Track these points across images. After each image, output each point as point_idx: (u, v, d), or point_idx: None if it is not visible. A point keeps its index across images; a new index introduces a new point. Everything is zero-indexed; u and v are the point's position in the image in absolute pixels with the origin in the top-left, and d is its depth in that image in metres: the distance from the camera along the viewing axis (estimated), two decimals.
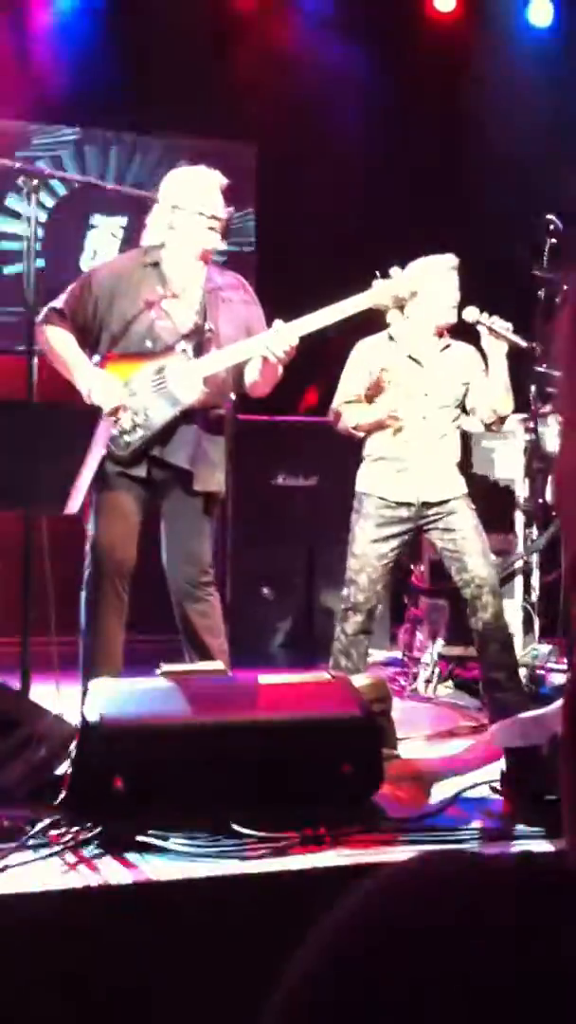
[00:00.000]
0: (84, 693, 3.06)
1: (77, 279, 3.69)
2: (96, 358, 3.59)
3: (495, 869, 0.48)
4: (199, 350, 3.54)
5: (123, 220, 6.41)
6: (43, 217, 3.11)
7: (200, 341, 3.54)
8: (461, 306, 3.88)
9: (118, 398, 3.45)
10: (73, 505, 2.74)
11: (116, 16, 6.39)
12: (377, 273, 3.58)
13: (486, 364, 3.88)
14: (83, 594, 3.57)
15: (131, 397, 3.48)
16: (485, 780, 2.91)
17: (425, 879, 0.48)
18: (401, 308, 3.70)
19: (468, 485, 4.01)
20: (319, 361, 4.08)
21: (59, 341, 3.55)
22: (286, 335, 3.44)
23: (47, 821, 2.51)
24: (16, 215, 5.28)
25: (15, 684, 3.13)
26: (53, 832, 2.49)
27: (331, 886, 2.30)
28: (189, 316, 3.58)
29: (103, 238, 6.52)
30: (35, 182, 3.21)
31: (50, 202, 6.12)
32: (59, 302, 3.61)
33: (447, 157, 6.38)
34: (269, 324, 3.59)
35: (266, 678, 3.03)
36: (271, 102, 6.40)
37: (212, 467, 3.61)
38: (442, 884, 0.47)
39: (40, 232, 3.22)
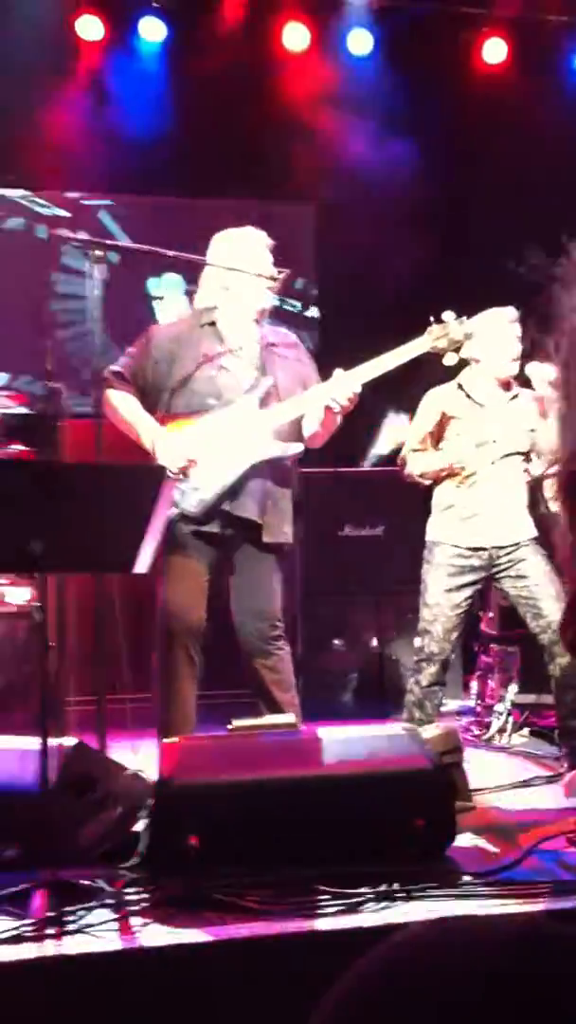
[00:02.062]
0: (159, 751, 3.10)
1: (135, 341, 3.78)
2: (158, 417, 3.66)
3: (513, 931, 0.50)
4: (262, 403, 3.60)
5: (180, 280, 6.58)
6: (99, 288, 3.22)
7: (263, 395, 3.60)
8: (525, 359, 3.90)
9: (184, 455, 3.52)
10: (142, 564, 2.79)
11: (169, 83, 6.59)
12: (431, 318, 3.63)
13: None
14: (156, 655, 3.62)
15: (198, 454, 3.55)
16: (562, 832, 2.87)
17: (436, 943, 0.50)
18: (457, 350, 3.73)
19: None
20: None
21: (121, 403, 3.63)
22: (348, 383, 3.50)
23: (123, 880, 2.55)
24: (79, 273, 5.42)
25: (92, 742, 3.18)
26: (129, 891, 2.52)
27: None
28: (249, 371, 3.64)
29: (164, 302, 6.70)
30: (98, 252, 3.31)
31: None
32: (119, 365, 3.69)
33: (500, 208, 6.42)
34: (325, 377, 3.64)
35: (337, 732, 3.04)
36: (325, 162, 6.52)
37: (281, 519, 3.64)
38: (454, 947, 0.49)
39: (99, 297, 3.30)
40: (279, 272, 3.66)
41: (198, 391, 3.60)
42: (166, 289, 6.78)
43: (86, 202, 6.64)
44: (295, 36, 6.67)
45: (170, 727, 3.53)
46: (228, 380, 3.61)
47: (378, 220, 6.41)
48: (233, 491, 3.56)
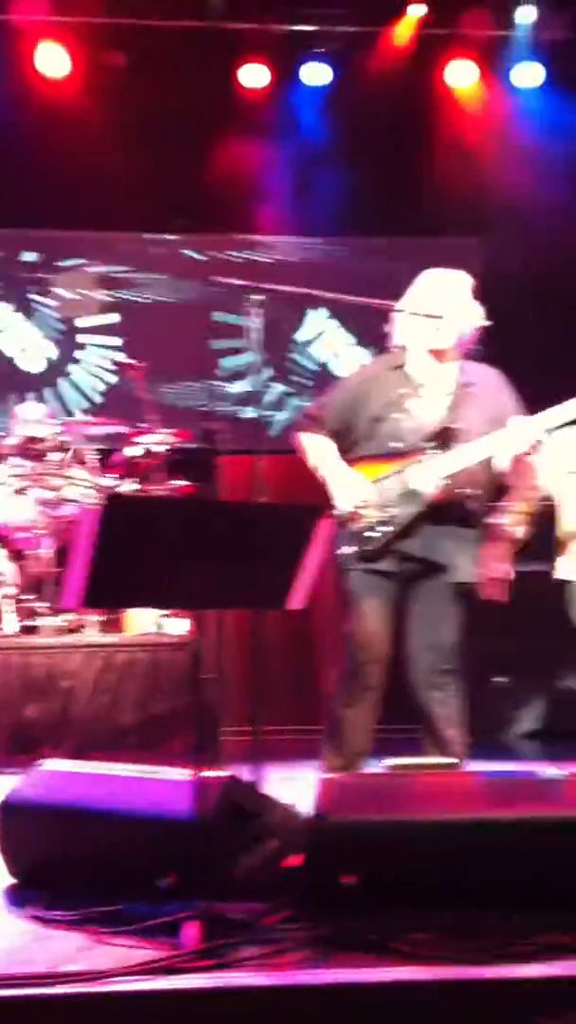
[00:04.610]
0: (316, 786, 3.08)
1: (332, 386, 3.91)
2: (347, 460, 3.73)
3: None
4: (445, 447, 3.59)
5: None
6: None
7: (446, 438, 3.60)
8: None
9: (361, 497, 3.58)
10: (296, 602, 2.81)
11: (335, 125, 6.69)
12: None
13: None
14: (337, 683, 3.68)
15: (377, 495, 3.61)
16: None
17: None
18: None
19: None
20: None
21: (312, 446, 3.77)
22: (525, 431, 3.46)
23: (277, 916, 2.53)
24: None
25: (248, 775, 3.19)
26: (283, 927, 2.50)
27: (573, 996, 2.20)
28: (435, 414, 3.67)
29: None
30: (255, 296, 3.36)
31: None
32: (315, 408, 3.85)
33: None
34: None
35: (502, 774, 2.96)
36: (492, 192, 6.47)
37: (462, 559, 3.65)
38: None
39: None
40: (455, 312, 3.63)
41: (383, 435, 3.68)
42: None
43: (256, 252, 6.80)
44: (462, 72, 6.67)
45: (341, 758, 3.60)
46: (412, 424, 3.66)
47: (547, 254, 6.30)
48: (409, 531, 3.60)
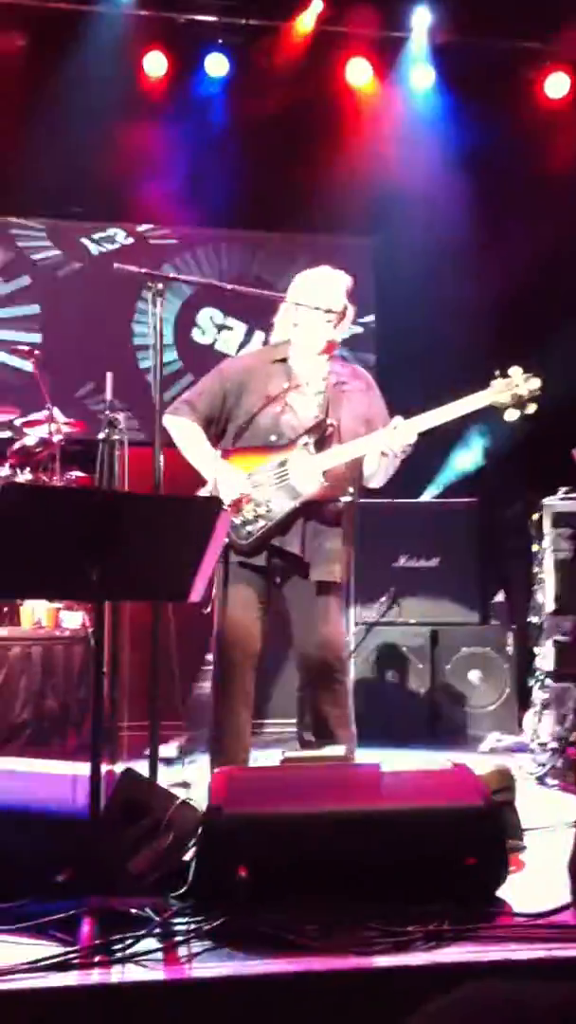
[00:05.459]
0: (210, 780, 3.11)
1: (208, 373, 3.85)
2: (221, 450, 3.71)
3: (536, 1006, 0.50)
4: (321, 444, 3.63)
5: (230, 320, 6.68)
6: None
7: (322, 435, 3.64)
8: None
9: (240, 489, 3.57)
10: (196, 594, 2.82)
11: (232, 117, 6.68)
12: (496, 372, 3.58)
13: None
14: (211, 684, 3.65)
15: (254, 488, 3.61)
16: None
17: (465, 1016, 0.50)
18: (520, 406, 3.60)
19: None
20: None
21: (187, 432, 3.72)
22: (404, 432, 3.52)
23: (172, 910, 2.55)
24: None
25: (143, 769, 3.19)
26: (177, 921, 2.52)
27: (454, 983, 2.26)
28: (312, 410, 3.69)
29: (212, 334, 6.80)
30: (160, 286, 3.37)
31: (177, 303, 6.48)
32: (190, 394, 3.80)
33: (572, 245, 6.35)
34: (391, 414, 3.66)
35: (390, 766, 3.01)
36: (385, 193, 6.55)
37: (327, 558, 3.67)
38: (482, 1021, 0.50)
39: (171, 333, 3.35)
40: (341, 306, 3.68)
41: (261, 427, 3.67)
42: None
43: (154, 240, 6.76)
44: (358, 71, 6.73)
45: (223, 753, 3.56)
46: (290, 418, 3.67)
47: (438, 256, 6.41)
48: (282, 527, 3.61)
